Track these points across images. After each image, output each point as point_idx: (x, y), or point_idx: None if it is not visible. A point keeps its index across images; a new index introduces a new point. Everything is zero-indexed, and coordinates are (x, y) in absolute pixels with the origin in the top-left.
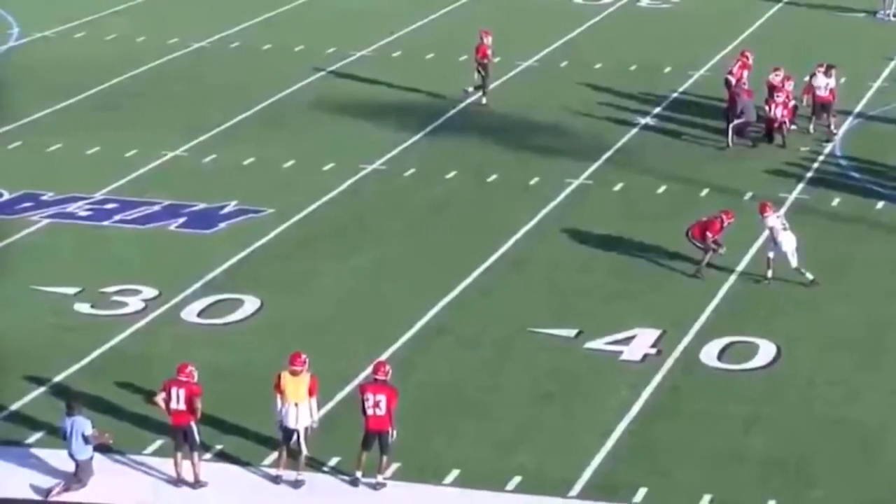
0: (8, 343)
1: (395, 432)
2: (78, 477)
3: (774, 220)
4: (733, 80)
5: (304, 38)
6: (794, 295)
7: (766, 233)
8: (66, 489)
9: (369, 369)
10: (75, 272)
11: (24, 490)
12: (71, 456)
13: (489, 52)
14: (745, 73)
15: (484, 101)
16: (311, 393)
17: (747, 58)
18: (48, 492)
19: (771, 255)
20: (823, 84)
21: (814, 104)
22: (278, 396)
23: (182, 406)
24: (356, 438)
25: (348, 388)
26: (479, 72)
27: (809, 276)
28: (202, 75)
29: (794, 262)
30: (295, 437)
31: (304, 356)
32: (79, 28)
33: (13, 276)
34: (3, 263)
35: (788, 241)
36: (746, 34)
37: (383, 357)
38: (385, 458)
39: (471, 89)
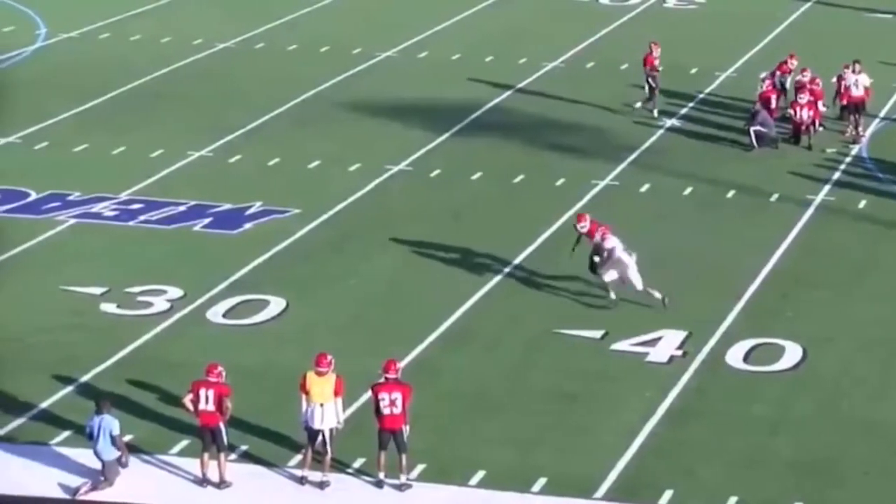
0: (35, 342)
1: (407, 427)
2: (105, 476)
3: (614, 241)
4: (786, 81)
5: (329, 39)
6: (820, 297)
7: (605, 254)
8: (94, 488)
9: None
10: (101, 272)
11: (53, 489)
12: (97, 455)
13: (656, 62)
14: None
15: (655, 113)
16: (336, 393)
17: (786, 62)
18: (76, 491)
19: (612, 276)
20: (853, 81)
21: (845, 104)
22: (304, 397)
23: (211, 407)
24: None
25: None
26: (648, 83)
27: (658, 294)
28: (227, 76)
29: (638, 286)
30: (320, 437)
31: (329, 357)
32: (104, 29)
33: (40, 275)
34: (30, 263)
35: (628, 263)
36: (773, 35)
37: (409, 357)
38: (404, 457)
39: (639, 104)
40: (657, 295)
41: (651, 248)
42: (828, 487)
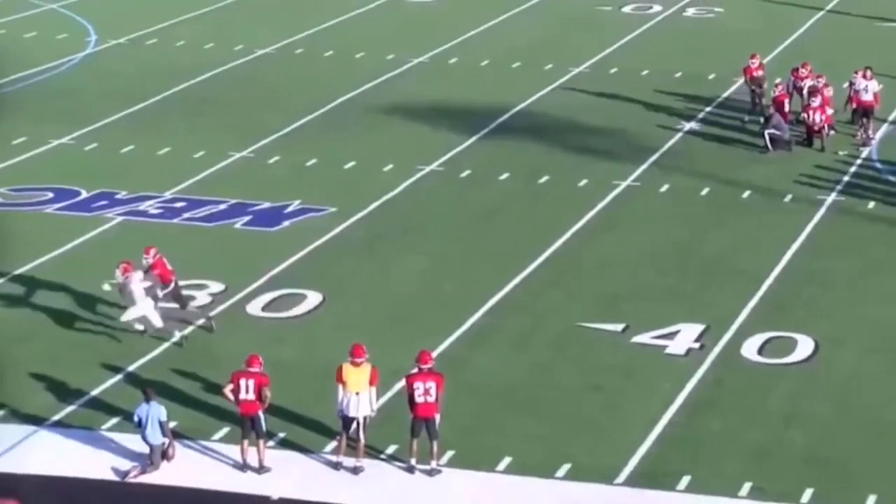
0: (86, 334)
1: (439, 416)
2: (152, 460)
3: (137, 284)
4: (804, 87)
5: (364, 46)
6: (833, 295)
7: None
8: (143, 472)
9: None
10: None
11: (105, 472)
12: (145, 440)
13: (755, 73)
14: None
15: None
16: (371, 383)
17: (796, 70)
18: (126, 474)
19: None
20: (863, 87)
21: (856, 109)
22: (340, 387)
23: (251, 396)
24: None
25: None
26: (752, 93)
27: (140, 326)
28: (267, 80)
29: (157, 324)
30: (354, 425)
31: (364, 348)
32: (150, 35)
33: (90, 270)
34: (80, 258)
35: (146, 305)
36: (787, 42)
37: (438, 350)
38: (435, 444)
39: (747, 118)
40: (178, 333)
41: (670, 246)
42: (838, 476)
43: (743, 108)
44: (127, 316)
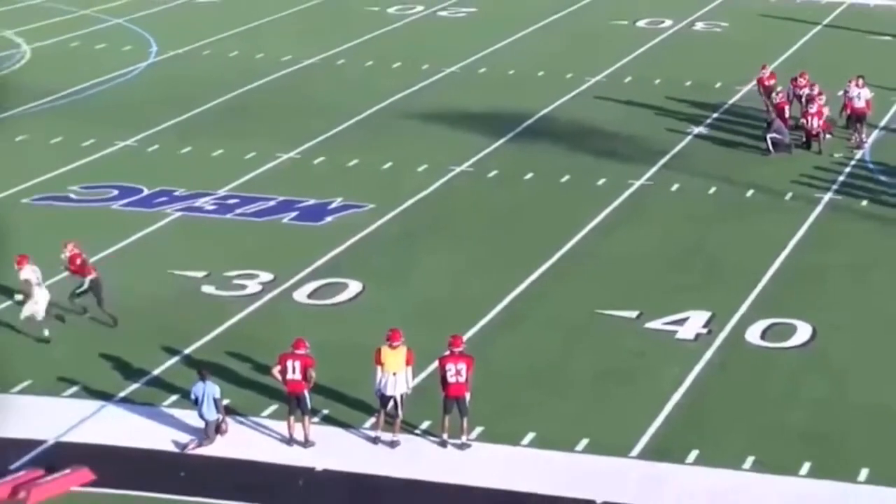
0: (148, 319)
1: (469, 394)
2: (207, 434)
3: (30, 273)
4: (802, 95)
5: (400, 56)
6: (830, 285)
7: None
8: (199, 445)
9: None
10: (202, 258)
11: (165, 444)
12: (201, 416)
13: (766, 82)
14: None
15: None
16: (407, 363)
17: (795, 79)
18: (184, 446)
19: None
20: (856, 94)
21: (850, 115)
22: (378, 368)
23: (298, 376)
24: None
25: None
26: (765, 101)
27: (46, 332)
28: (312, 88)
29: (39, 316)
30: (392, 403)
31: (400, 332)
32: (206, 47)
33: (152, 261)
34: (143, 250)
35: (42, 297)
36: (788, 54)
37: (468, 335)
38: (465, 420)
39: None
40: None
41: (680, 240)
42: (834, 452)
43: (747, 114)
44: (25, 312)
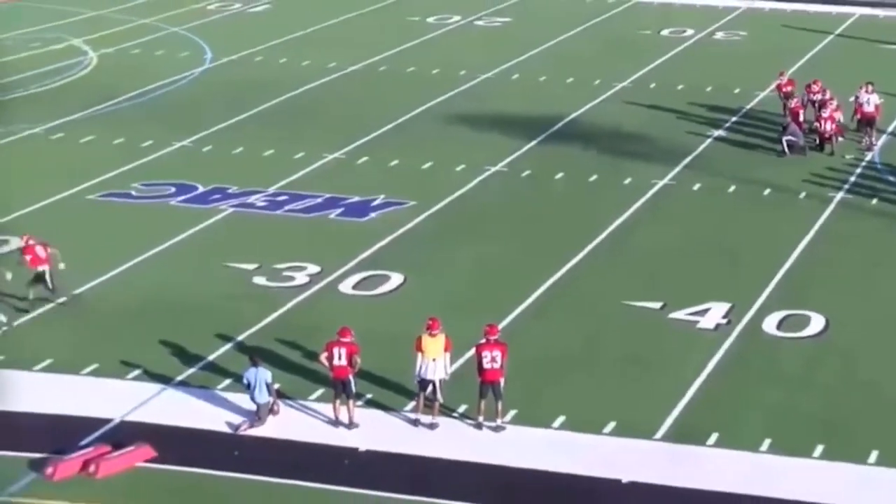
0: (203, 307)
1: (503, 380)
2: (258, 416)
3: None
4: (816, 100)
5: (439, 63)
6: (841, 279)
7: None
8: (251, 426)
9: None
10: (254, 251)
11: (220, 425)
12: (253, 400)
13: (785, 88)
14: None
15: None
16: (446, 349)
17: (809, 86)
18: (237, 427)
19: None
20: (866, 100)
21: (860, 119)
22: (418, 354)
23: (343, 362)
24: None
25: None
26: (784, 105)
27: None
28: (357, 93)
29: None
30: (431, 387)
31: (439, 321)
32: (257, 54)
33: (207, 254)
34: (198, 243)
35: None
36: (802, 62)
37: (502, 324)
38: (500, 404)
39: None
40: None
41: (701, 235)
42: (845, 436)
43: (764, 118)
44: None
